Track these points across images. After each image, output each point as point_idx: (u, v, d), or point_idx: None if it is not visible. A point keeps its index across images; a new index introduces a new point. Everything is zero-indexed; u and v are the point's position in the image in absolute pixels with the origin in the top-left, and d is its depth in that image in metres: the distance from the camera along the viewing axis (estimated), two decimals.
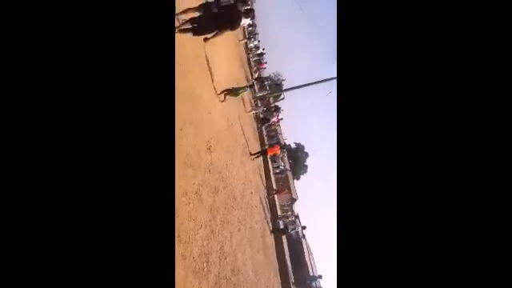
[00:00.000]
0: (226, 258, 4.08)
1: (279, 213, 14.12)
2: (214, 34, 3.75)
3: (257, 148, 11.61)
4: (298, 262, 14.87)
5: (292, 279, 10.62)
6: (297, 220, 18.00)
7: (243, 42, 19.11)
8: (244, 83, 11.68)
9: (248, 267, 5.13)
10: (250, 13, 4.13)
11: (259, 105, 16.42)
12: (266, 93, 18.06)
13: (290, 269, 10.61)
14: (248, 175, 8.12)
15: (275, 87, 26.47)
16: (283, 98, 18.88)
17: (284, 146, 20.86)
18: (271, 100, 19.01)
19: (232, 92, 7.06)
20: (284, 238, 11.25)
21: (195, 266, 3.04)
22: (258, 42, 22.14)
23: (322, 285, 14.87)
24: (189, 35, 3.89)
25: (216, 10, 3.78)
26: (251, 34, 21.37)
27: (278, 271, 8.84)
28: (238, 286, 4.26)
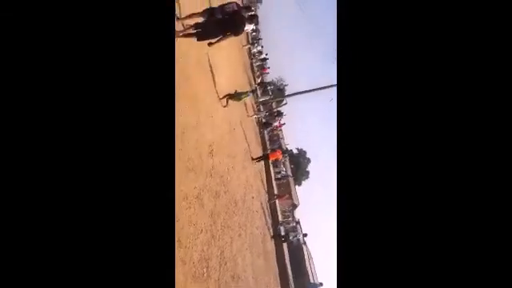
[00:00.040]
0: (226, 264, 4.03)
1: (280, 218, 14.02)
2: (218, 38, 3.78)
3: (259, 153, 11.59)
4: (299, 268, 14.70)
5: (292, 286, 10.48)
6: (298, 226, 17.86)
7: (247, 47, 19.27)
8: (247, 88, 11.73)
9: (248, 273, 5.07)
10: (253, 19, 4.16)
11: (262, 109, 16.47)
12: (269, 98, 18.12)
13: (290, 276, 10.48)
14: (249, 180, 8.09)
15: (278, 92, 26.55)
16: (286, 103, 18.93)
17: (286, 151, 20.84)
18: (274, 105, 19.06)
19: (234, 97, 7.08)
20: (285, 244, 11.13)
21: (195, 272, 3.01)
22: (262, 47, 22.33)
23: None
24: (193, 40, 3.92)
25: (220, 16, 3.81)
26: (255, 39, 21.58)
27: (278, 278, 8.74)
28: None
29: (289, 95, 20.25)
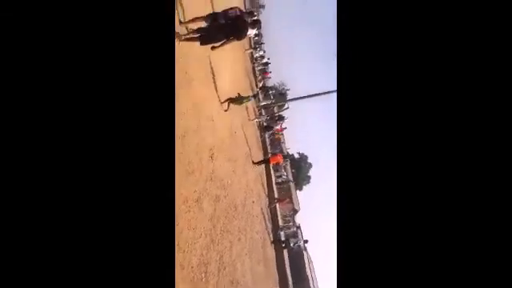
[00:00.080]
0: (225, 269, 4.00)
1: (280, 223, 13.93)
2: (221, 43, 3.81)
3: (260, 157, 11.58)
4: (299, 274, 14.56)
5: None
6: (298, 231, 17.73)
7: (249, 51, 19.39)
8: (249, 92, 11.77)
9: (247, 278, 5.02)
10: (256, 23, 4.19)
11: (263, 114, 16.50)
12: (270, 102, 18.16)
13: (290, 282, 10.37)
14: (250, 184, 8.06)
15: (279, 97, 26.64)
16: (287, 108, 18.95)
17: (287, 156, 20.80)
18: (275, 109, 19.10)
19: (236, 100, 7.09)
20: (285, 250, 11.04)
21: (193, 277, 2.98)
22: (264, 52, 22.45)
23: None
24: (196, 44, 3.95)
25: (223, 21, 3.84)
26: (257, 43, 21.72)
27: (278, 284, 8.65)
28: None
29: (290, 100, 20.30)
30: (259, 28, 4.27)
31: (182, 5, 4.32)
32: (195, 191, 3.64)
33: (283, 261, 10.29)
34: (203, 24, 3.97)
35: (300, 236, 16.31)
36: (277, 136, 21.20)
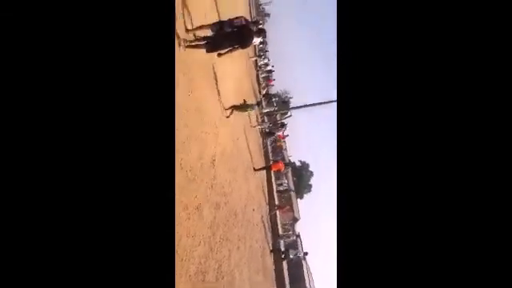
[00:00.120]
0: (223, 278, 3.93)
1: (280, 232, 13.78)
2: (227, 50, 3.85)
3: (261, 164, 11.55)
4: (298, 286, 14.30)
5: None
6: (298, 240, 17.52)
7: (254, 58, 19.58)
8: (252, 99, 11.83)
9: None
10: (261, 32, 4.24)
11: (266, 121, 16.54)
12: (273, 109, 18.23)
13: None
14: (250, 192, 8.01)
15: (282, 104, 26.74)
16: (290, 116, 19.00)
17: (288, 163, 20.74)
18: (278, 117, 19.15)
19: (240, 108, 7.11)
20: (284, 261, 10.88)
21: (191, 286, 2.92)
22: (268, 59, 22.67)
23: None
24: (201, 51, 3.99)
25: (229, 29, 3.89)
26: (262, 51, 21.95)
27: None
28: None
29: (293, 108, 20.37)
30: (264, 37, 4.30)
31: (189, 12, 4.38)
32: (196, 197, 3.61)
33: (282, 271, 10.13)
34: (209, 32, 4.02)
35: (300, 247, 16.10)
36: (279, 143, 21.21)
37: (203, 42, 3.93)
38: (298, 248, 15.54)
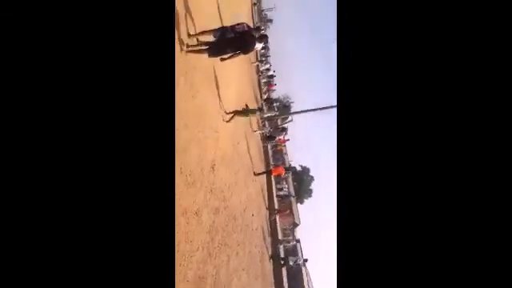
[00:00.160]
0: (221, 284, 3.89)
1: (280, 237, 13.67)
2: (229, 55, 3.88)
3: (261, 169, 11.52)
4: None
5: None
6: (298, 245, 17.37)
7: (255, 64, 19.70)
8: (253, 103, 11.86)
9: None
10: (263, 38, 4.27)
11: (266, 125, 16.55)
12: (274, 114, 18.26)
13: None
14: (250, 197, 7.98)
15: (283, 109, 26.80)
16: (291, 121, 19.03)
17: (289, 168, 20.67)
18: (279, 121, 19.17)
19: (242, 113, 7.13)
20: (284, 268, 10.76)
21: None
22: (270, 65, 22.79)
23: None
24: (204, 56, 4.02)
25: (231, 35, 3.92)
26: (263, 56, 22.09)
27: None
28: None
29: (294, 113, 20.40)
30: (266, 42, 4.34)
31: (192, 17, 4.42)
32: (195, 202, 3.59)
33: (281, 277, 10.02)
34: (211, 37, 4.05)
35: (299, 253, 15.95)
36: (279, 147, 21.19)
37: (205, 47, 3.96)
38: (297, 255, 15.39)
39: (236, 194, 6.02)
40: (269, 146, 16.93)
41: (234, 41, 3.88)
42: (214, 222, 4.15)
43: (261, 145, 14.72)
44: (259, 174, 10.02)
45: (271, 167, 14.12)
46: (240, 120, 7.70)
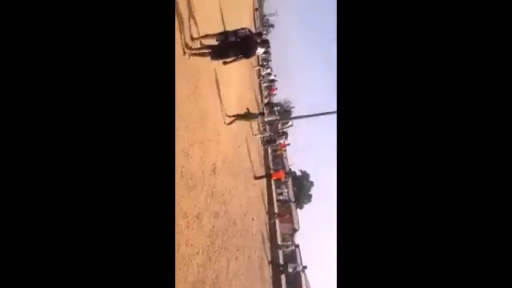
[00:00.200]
0: None
1: (279, 242, 13.58)
2: (232, 59, 3.91)
3: (261, 172, 11.49)
4: None
5: None
6: (297, 250, 17.24)
7: (257, 68, 19.79)
8: (254, 107, 11.88)
9: None
10: (265, 43, 4.31)
11: (267, 129, 16.57)
12: (275, 118, 18.30)
13: None
14: (250, 201, 7.95)
15: (284, 113, 26.87)
16: (292, 125, 19.05)
17: (289, 173, 20.63)
18: (279, 126, 19.20)
19: (243, 117, 7.13)
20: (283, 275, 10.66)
21: None
22: (271, 69, 22.91)
23: None
24: (206, 59, 4.05)
25: (233, 39, 3.96)
26: (265, 60, 22.22)
27: None
28: None
29: (294, 117, 20.43)
30: (268, 47, 4.38)
31: (195, 21, 4.46)
32: (196, 205, 3.58)
33: (280, 283, 9.93)
34: (214, 41, 4.09)
35: (299, 259, 15.81)
36: (279, 152, 21.17)
37: (208, 51, 4.00)
38: (297, 261, 15.26)
39: (236, 198, 5.99)
40: (269, 150, 16.91)
41: (236, 45, 3.92)
42: (214, 226, 4.13)
43: (261, 149, 14.72)
44: (259, 177, 9.99)
45: (271, 171, 14.08)
46: (241, 124, 7.71)
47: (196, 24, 4.50)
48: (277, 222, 12.96)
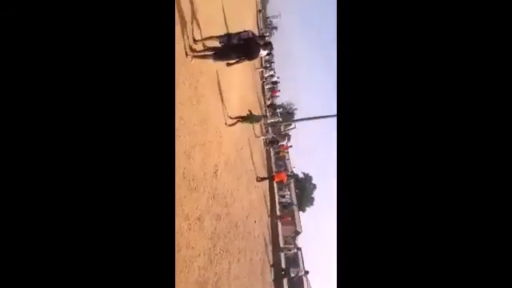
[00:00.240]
0: None
1: (281, 244, 13.51)
2: (235, 61, 3.92)
3: (264, 174, 11.47)
4: None
5: None
6: (299, 253, 17.14)
7: (260, 70, 19.84)
8: (257, 109, 11.89)
9: None
10: (268, 45, 4.30)
11: (270, 131, 16.56)
12: (278, 120, 18.28)
13: None
14: (252, 203, 7.92)
15: (287, 115, 26.86)
16: (294, 127, 19.03)
17: (292, 175, 20.58)
18: (282, 128, 19.18)
19: (246, 120, 7.13)
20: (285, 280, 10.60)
21: None
22: (274, 71, 22.94)
23: None
24: (209, 61, 4.05)
25: (236, 41, 3.96)
26: (268, 62, 22.27)
27: None
28: None
29: (297, 120, 20.42)
30: (271, 49, 4.37)
31: (198, 24, 4.48)
32: (197, 208, 3.57)
33: (282, 287, 9.86)
34: (217, 43, 4.10)
35: (301, 262, 15.70)
36: (282, 154, 21.13)
37: (211, 53, 4.01)
38: (299, 265, 15.15)
39: (238, 201, 5.98)
40: (272, 152, 16.89)
41: (239, 47, 3.92)
42: (215, 228, 4.11)
43: (264, 151, 14.70)
44: (261, 179, 9.97)
45: (273, 173, 14.05)
46: (244, 125, 7.71)
47: (199, 26, 4.52)
48: (279, 224, 12.90)
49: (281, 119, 19.13)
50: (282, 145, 17.84)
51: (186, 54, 3.91)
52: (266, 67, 21.41)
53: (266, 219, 10.71)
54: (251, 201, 7.75)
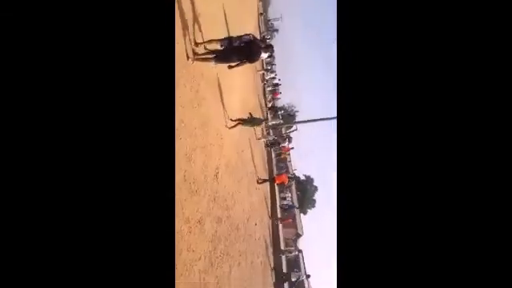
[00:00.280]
0: None
1: (282, 247, 13.45)
2: (236, 64, 3.93)
3: (265, 177, 11.45)
4: None
5: None
6: (300, 256, 17.05)
7: (261, 72, 19.89)
8: (258, 112, 11.89)
9: None
10: (269, 48, 4.31)
11: (271, 133, 16.56)
12: (279, 122, 18.29)
13: None
14: (253, 206, 7.90)
15: (288, 117, 26.87)
16: (296, 130, 19.02)
17: (293, 177, 20.54)
18: (283, 130, 19.18)
19: (247, 123, 7.12)
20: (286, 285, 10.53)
21: None
22: (275, 74, 23.00)
23: None
24: (210, 63, 4.07)
25: (238, 44, 3.98)
26: (269, 64, 22.34)
27: None
28: None
29: (298, 122, 20.41)
30: (272, 52, 4.38)
31: (200, 27, 4.50)
32: (198, 211, 3.56)
33: None
34: (218, 46, 4.12)
35: (302, 265, 15.60)
36: (283, 156, 21.11)
37: (212, 56, 4.02)
38: (300, 267, 15.06)
39: (239, 203, 5.96)
40: (273, 154, 16.87)
41: (240, 49, 3.94)
42: (216, 231, 4.10)
43: (265, 153, 14.69)
44: (262, 181, 9.96)
45: (275, 175, 14.04)
46: (244, 128, 7.71)
47: (200, 29, 4.54)
48: (280, 226, 12.85)
49: (282, 121, 19.13)
50: (284, 146, 17.83)
51: (188, 57, 3.93)
52: (267, 69, 21.46)
53: (267, 221, 10.68)
54: (252, 203, 7.74)
